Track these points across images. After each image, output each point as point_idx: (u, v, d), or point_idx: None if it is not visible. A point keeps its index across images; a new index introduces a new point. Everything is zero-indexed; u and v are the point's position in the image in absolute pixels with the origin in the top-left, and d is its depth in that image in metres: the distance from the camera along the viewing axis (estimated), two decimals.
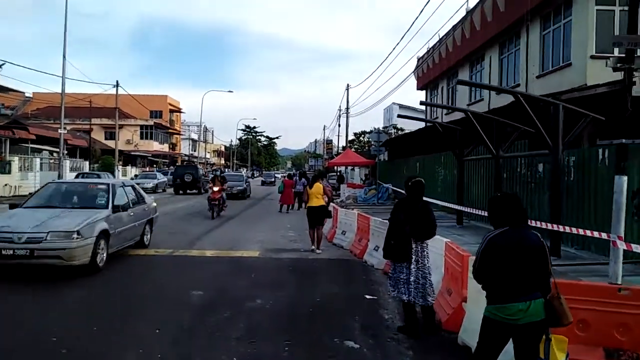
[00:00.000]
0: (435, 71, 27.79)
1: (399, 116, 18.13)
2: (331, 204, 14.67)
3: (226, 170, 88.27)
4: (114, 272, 8.57)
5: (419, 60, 30.59)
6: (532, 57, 17.50)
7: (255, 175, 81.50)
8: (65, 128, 30.75)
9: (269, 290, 7.58)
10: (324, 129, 79.84)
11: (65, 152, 41.33)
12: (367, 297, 7.26)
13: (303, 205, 17.77)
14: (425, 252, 5.71)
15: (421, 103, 13.12)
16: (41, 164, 32.61)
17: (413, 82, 31.74)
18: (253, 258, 10.45)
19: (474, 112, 12.15)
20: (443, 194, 19.11)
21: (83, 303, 6.89)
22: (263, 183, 57.92)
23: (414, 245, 5.63)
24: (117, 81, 40.12)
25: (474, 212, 13.79)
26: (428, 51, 28.39)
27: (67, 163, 35.28)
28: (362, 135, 48.55)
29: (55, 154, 36.40)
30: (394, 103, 65.92)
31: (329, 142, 76.94)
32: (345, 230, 12.18)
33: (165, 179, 41.25)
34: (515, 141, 12.17)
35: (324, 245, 12.18)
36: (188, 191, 34.34)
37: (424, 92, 31.68)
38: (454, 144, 14.87)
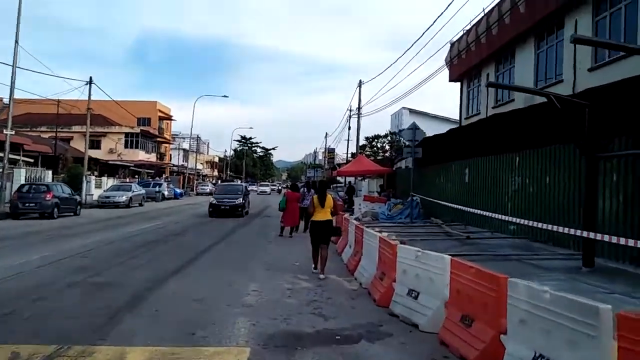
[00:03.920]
0: (478, 54, 21.93)
1: (490, 85, 12.18)
2: (384, 234, 8.75)
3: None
4: None
5: (452, 45, 24.77)
6: None
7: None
8: (13, 129, 24.53)
9: None
10: (325, 137, 73.86)
11: (31, 160, 35.47)
12: None
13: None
14: None
15: (575, 40, 7.11)
16: None
17: (433, 83, 25.79)
18: None
19: None
20: (517, 210, 13.20)
21: None
22: (216, 209, 23.30)
23: None
24: (90, 77, 33.92)
25: (611, 241, 7.90)
26: (468, 32, 22.57)
27: (22, 172, 29.05)
28: (375, 140, 41.50)
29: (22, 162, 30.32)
30: (403, 108, 60.25)
31: (330, 151, 70.94)
32: (418, 289, 6.18)
33: (143, 192, 35.04)
34: None
35: (377, 318, 6.17)
36: None
37: (458, 83, 25.81)
38: (575, 132, 8.93)
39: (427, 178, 21.44)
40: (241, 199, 24.23)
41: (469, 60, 23.10)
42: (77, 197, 25.03)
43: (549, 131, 11.22)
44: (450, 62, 24.84)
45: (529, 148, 12.67)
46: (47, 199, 21.58)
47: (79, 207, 24.37)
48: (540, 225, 10.31)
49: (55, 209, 21.83)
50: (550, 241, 11.63)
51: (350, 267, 9.78)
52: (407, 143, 17.83)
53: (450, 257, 5.75)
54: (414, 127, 17.38)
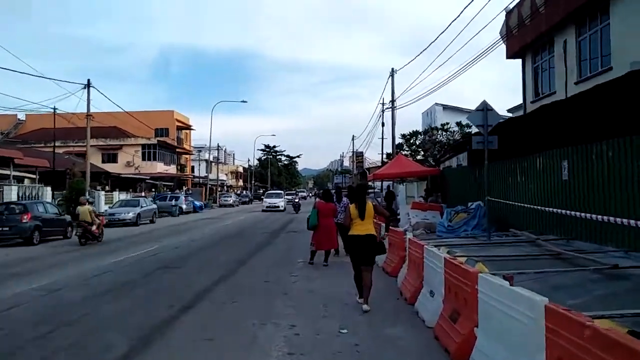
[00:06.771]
0: (550, 17, 17.16)
1: None
2: (459, 258, 4.12)
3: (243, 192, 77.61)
4: None
5: (509, 13, 20.03)
6: None
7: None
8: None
9: None
10: (352, 140, 68.93)
11: (34, 176, 31.95)
12: None
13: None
14: None
15: None
16: None
17: (463, 78, 20.95)
18: None
19: None
20: None
21: None
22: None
23: None
24: (88, 80, 30.17)
25: None
26: None
27: (14, 190, 25.38)
28: (414, 137, 35.68)
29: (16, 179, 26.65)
30: (436, 104, 55.52)
31: (358, 155, 66.29)
32: None
33: (154, 207, 30.95)
34: None
35: None
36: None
37: (519, 60, 20.98)
38: None
39: (494, 177, 16.64)
40: None
41: (537, 26, 18.24)
42: (67, 217, 20.95)
43: None
44: (507, 34, 20.06)
45: None
46: (24, 221, 17.57)
47: (69, 228, 20.29)
48: None
49: (36, 233, 17.87)
50: None
51: (448, 341, 5.20)
52: (474, 130, 13.20)
53: None
54: (485, 107, 12.66)
